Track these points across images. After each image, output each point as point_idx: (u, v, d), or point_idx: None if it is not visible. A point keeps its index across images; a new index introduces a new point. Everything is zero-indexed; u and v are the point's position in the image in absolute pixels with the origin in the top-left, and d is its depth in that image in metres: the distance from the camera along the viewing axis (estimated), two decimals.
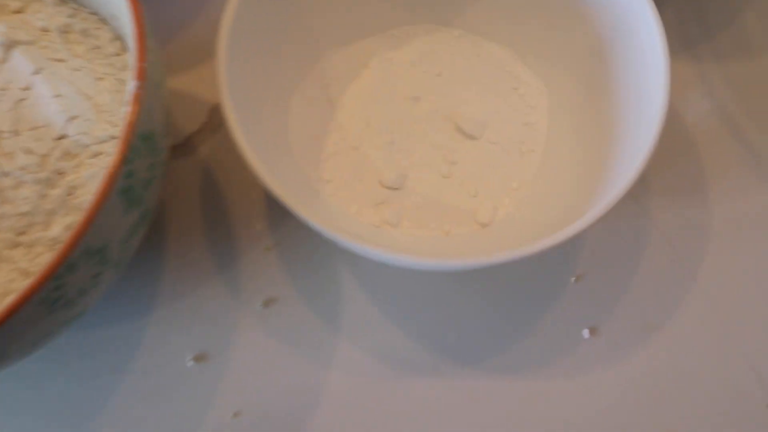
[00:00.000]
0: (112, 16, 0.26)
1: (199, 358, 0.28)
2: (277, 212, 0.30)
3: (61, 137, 0.24)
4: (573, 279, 0.29)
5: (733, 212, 0.30)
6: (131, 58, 0.23)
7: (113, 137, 0.25)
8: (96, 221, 0.19)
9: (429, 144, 0.29)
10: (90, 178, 0.24)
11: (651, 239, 0.29)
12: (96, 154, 0.25)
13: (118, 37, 0.27)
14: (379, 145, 0.29)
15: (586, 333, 0.28)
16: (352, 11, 0.31)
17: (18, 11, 0.27)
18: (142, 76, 0.20)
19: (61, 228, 0.24)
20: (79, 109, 0.25)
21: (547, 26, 0.30)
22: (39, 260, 0.23)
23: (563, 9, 0.29)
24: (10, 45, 0.25)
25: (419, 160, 0.29)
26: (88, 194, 0.24)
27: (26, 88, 0.25)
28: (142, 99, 0.20)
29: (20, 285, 0.22)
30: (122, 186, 0.20)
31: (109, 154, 0.24)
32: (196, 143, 0.31)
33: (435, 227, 0.28)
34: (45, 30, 0.26)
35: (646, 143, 0.24)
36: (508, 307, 0.28)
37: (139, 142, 0.20)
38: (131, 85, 0.20)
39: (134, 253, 0.25)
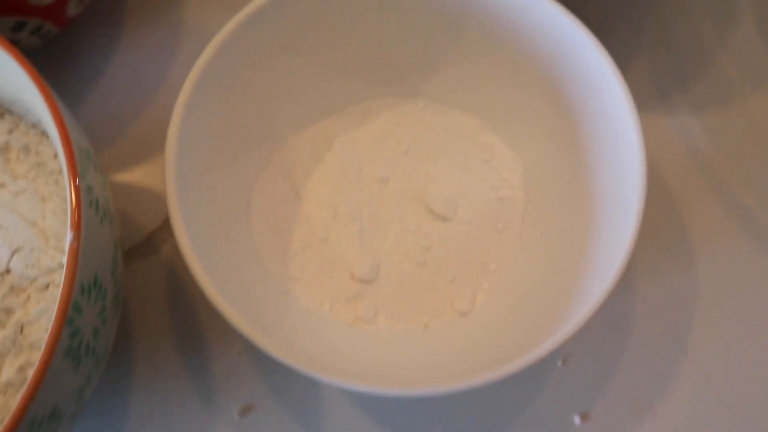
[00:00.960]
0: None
1: None
2: None
3: (6, 272, 0.23)
4: (560, 362, 0.28)
5: (720, 275, 0.29)
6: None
7: (63, 265, 0.23)
8: (40, 394, 0.18)
9: (400, 230, 0.28)
10: (41, 313, 0.23)
11: (637, 312, 0.28)
12: (45, 286, 0.23)
13: None
14: (348, 235, 0.28)
15: (576, 419, 0.27)
16: (311, 91, 0.29)
17: None
18: (78, 225, 0.19)
19: (14, 370, 0.22)
20: (23, 238, 0.23)
21: (514, 93, 0.29)
22: None
23: (530, 74, 0.28)
24: None
25: (391, 248, 0.28)
26: (40, 331, 0.22)
27: None
28: (80, 251, 0.19)
29: None
30: (67, 347, 0.19)
31: (58, 285, 0.23)
32: (158, 242, 0.29)
33: (413, 319, 0.27)
34: None
35: (629, 226, 0.23)
36: (494, 396, 0.27)
37: (82, 296, 0.19)
38: (67, 238, 0.19)
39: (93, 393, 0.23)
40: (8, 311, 0.23)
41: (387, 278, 0.27)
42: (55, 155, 0.25)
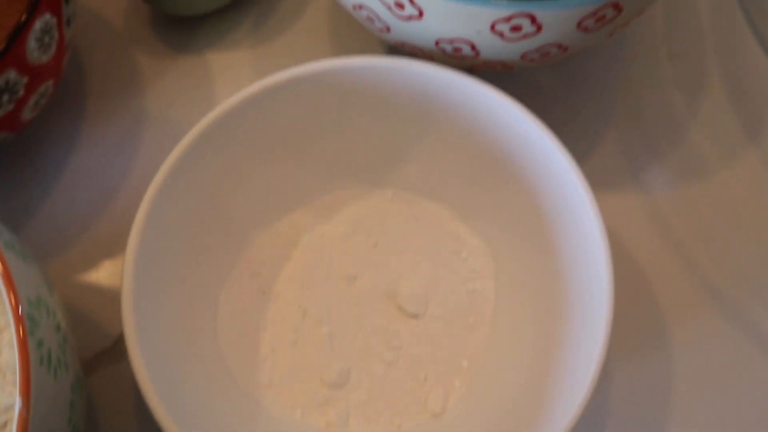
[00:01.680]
0: None
1: None
2: None
3: None
4: None
5: (695, 357, 0.29)
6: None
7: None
8: None
9: (371, 330, 0.28)
10: None
11: (612, 403, 0.28)
12: (3, 425, 0.23)
13: None
14: (317, 338, 0.27)
15: None
16: (276, 187, 0.29)
17: None
18: (26, 391, 0.18)
19: None
20: None
21: (482, 184, 0.28)
22: None
23: (495, 167, 0.28)
24: None
25: (361, 349, 0.27)
26: None
27: None
28: (30, 416, 0.18)
29: None
30: None
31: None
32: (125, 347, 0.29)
33: (385, 422, 0.27)
34: None
35: (601, 325, 0.23)
36: None
37: None
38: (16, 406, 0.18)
39: None
40: None
41: (358, 381, 0.27)
42: None
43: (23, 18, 0.25)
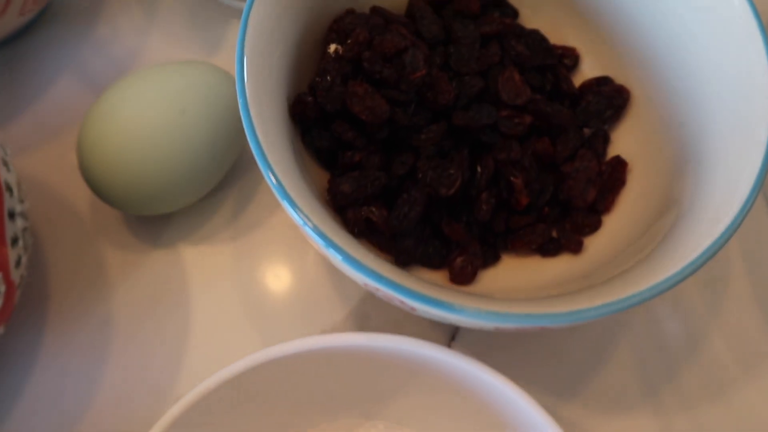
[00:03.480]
0: None
1: None
2: None
3: None
4: None
5: None
6: None
7: None
8: None
9: None
10: None
11: None
12: None
13: None
14: None
15: None
16: (260, 418, 0.26)
17: None
18: None
19: None
20: None
21: (469, 423, 0.26)
22: None
23: (482, 413, 0.25)
24: None
25: None
26: None
27: None
28: None
29: None
30: None
31: None
32: None
33: None
34: None
35: None
36: None
37: None
38: None
39: None
40: None
41: None
42: None
43: None
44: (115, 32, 0.36)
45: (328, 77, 0.26)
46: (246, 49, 0.23)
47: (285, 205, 0.21)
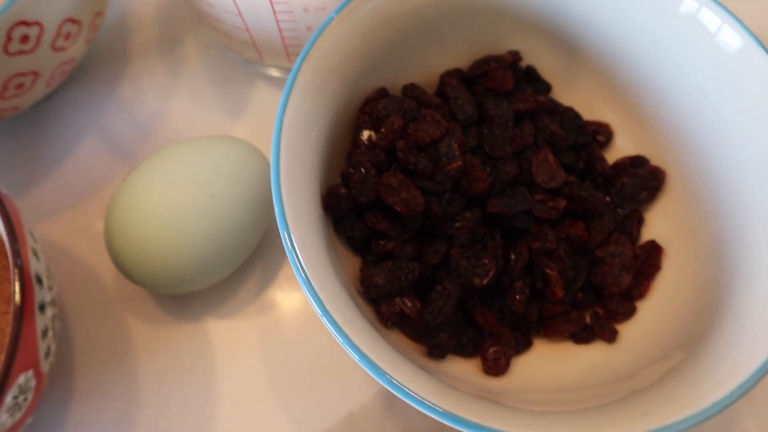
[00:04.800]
0: None
1: None
2: None
3: None
4: None
5: None
6: None
7: None
8: None
9: None
10: None
11: None
12: None
13: None
14: None
15: None
16: None
17: None
18: None
19: None
20: None
21: None
22: None
23: None
24: None
25: None
26: None
27: None
28: None
29: None
30: None
31: None
32: None
33: None
34: None
35: None
36: None
37: None
38: None
39: None
40: None
41: None
42: None
43: None
44: (138, 93, 0.35)
45: (362, 169, 0.25)
46: (282, 144, 0.23)
47: (315, 307, 0.21)
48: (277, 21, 0.28)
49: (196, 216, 0.27)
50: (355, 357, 0.20)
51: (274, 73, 0.35)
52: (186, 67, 0.36)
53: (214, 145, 0.29)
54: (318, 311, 0.21)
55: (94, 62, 0.37)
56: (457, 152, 0.26)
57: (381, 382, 0.20)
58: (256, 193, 0.29)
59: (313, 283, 0.21)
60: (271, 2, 0.27)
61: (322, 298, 0.21)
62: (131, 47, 0.37)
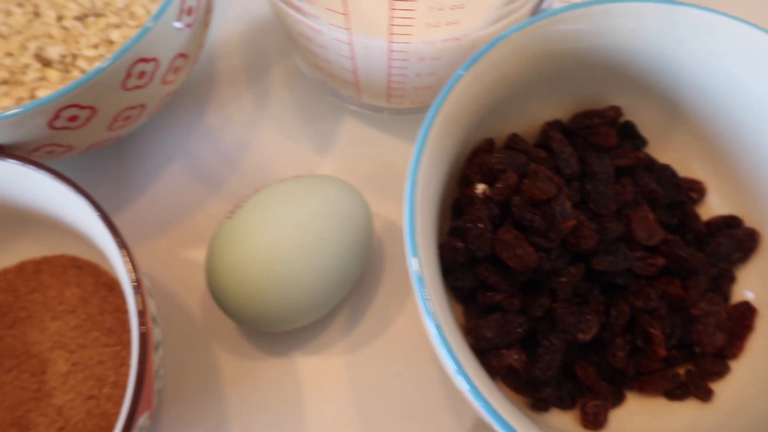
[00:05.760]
0: None
1: None
2: None
3: None
4: None
5: None
6: None
7: None
8: None
9: None
10: None
11: None
12: None
13: None
14: None
15: None
16: None
17: None
18: None
19: None
20: None
21: None
22: None
23: None
24: None
25: None
26: None
27: None
28: None
29: None
30: None
31: None
32: None
33: None
34: None
35: None
36: None
37: None
38: None
39: None
40: None
41: None
42: None
43: None
44: (225, 121, 0.35)
45: (480, 224, 0.26)
46: (416, 204, 0.23)
47: (443, 353, 0.21)
48: (390, 67, 0.28)
49: (306, 258, 0.27)
50: (487, 415, 0.21)
51: (366, 109, 0.35)
52: (272, 97, 0.36)
53: (320, 186, 0.29)
54: (452, 368, 0.21)
55: (182, 89, 0.37)
56: (570, 211, 0.26)
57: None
58: (359, 235, 0.29)
59: (450, 344, 0.21)
60: (389, 50, 0.27)
61: (458, 356, 0.21)
62: (218, 75, 0.37)
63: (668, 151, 0.31)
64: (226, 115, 0.36)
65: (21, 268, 0.30)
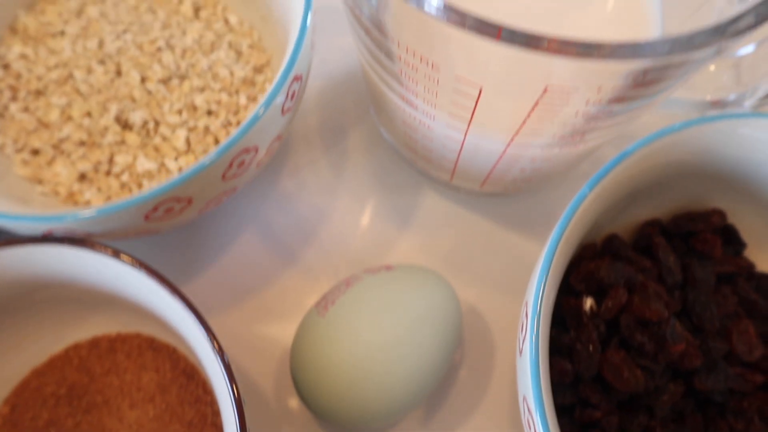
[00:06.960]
0: None
1: None
2: None
3: None
4: None
5: None
6: None
7: None
8: None
9: None
10: None
11: None
12: None
13: None
14: None
15: None
16: None
17: None
18: None
19: None
20: None
21: None
22: None
23: None
24: None
25: None
26: None
27: None
28: None
29: None
30: None
31: None
32: None
33: None
34: None
35: None
36: None
37: None
38: None
39: None
40: None
41: None
42: None
43: None
44: (300, 187, 0.34)
45: (590, 346, 0.25)
46: (541, 321, 0.22)
47: None
48: (497, 163, 0.27)
49: (402, 362, 0.26)
50: None
51: (452, 189, 0.34)
52: (349, 163, 0.35)
53: (418, 288, 0.28)
54: None
55: None
56: (681, 334, 0.25)
57: None
58: (452, 336, 0.28)
59: None
60: (503, 152, 0.26)
61: None
62: (293, 138, 0.35)
63: (764, 252, 0.31)
64: (301, 181, 0.34)
65: (94, 344, 0.29)
